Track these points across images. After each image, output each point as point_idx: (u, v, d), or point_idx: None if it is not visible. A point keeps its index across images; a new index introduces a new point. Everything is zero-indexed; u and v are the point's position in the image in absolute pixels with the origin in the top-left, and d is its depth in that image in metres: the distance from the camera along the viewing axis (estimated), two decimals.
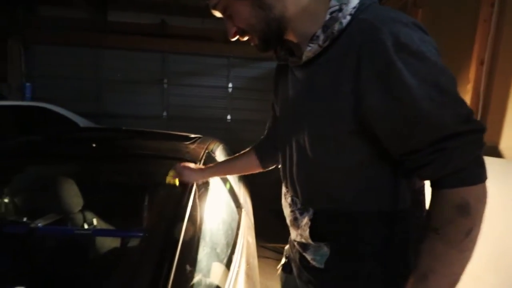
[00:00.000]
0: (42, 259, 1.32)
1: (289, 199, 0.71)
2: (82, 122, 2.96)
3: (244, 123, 4.74)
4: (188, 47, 4.52)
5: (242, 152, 0.97)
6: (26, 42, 4.39)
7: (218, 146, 1.68)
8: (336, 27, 0.51)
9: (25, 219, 1.28)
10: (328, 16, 0.52)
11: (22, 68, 4.29)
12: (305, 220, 0.64)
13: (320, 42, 0.53)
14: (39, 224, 1.24)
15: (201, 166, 1.01)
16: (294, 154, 0.66)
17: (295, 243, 0.73)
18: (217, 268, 0.87)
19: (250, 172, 0.96)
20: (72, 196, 1.37)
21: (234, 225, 1.18)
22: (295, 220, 0.68)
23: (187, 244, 0.74)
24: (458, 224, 0.46)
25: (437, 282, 0.47)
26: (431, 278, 0.47)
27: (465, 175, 0.46)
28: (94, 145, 1.21)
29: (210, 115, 4.73)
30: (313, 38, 0.54)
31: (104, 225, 1.50)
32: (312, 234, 0.64)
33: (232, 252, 0.99)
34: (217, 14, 0.63)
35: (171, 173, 0.95)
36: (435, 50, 0.47)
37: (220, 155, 1.62)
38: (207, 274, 0.81)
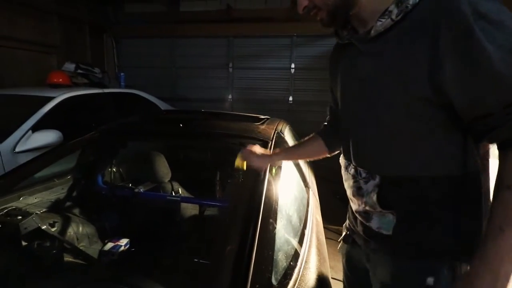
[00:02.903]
0: (141, 217, 1.61)
1: (352, 171, 0.72)
2: (163, 105, 3.37)
3: (306, 104, 4.66)
4: (251, 29, 4.58)
5: (307, 137, 0.97)
6: (117, 37, 5.12)
7: (286, 127, 1.73)
8: (411, 1, 0.54)
9: (130, 185, 1.58)
10: None
11: (115, 59, 5.05)
12: (371, 187, 0.66)
13: (393, 17, 0.56)
14: (141, 189, 1.53)
15: (267, 151, 1.02)
16: (361, 126, 0.68)
17: (357, 214, 0.74)
18: (292, 240, 0.94)
19: (317, 157, 0.96)
20: (163, 168, 1.62)
21: (304, 202, 1.23)
22: (359, 190, 0.70)
23: (267, 215, 0.81)
24: None
25: None
26: (507, 230, 0.48)
27: None
28: (181, 125, 1.39)
29: (272, 97, 4.79)
30: (384, 13, 0.57)
31: (187, 195, 1.74)
32: (379, 201, 0.65)
33: (304, 227, 1.04)
34: None
35: (239, 156, 0.97)
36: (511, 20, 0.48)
37: (288, 135, 1.67)
38: (284, 244, 0.88)
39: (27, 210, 1.29)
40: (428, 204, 0.61)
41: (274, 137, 1.30)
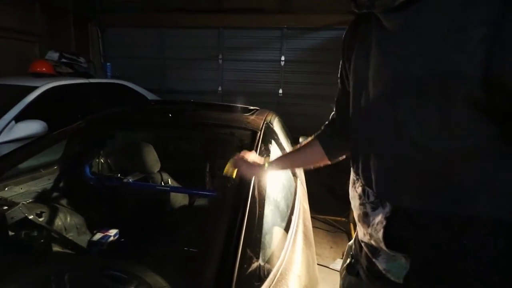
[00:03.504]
0: (130, 208, 1.61)
1: (359, 189, 0.57)
2: (150, 97, 3.32)
3: (296, 97, 4.69)
4: (242, 20, 4.54)
5: (304, 142, 0.83)
6: (102, 26, 4.97)
7: (275, 118, 1.75)
8: None
9: (119, 175, 1.58)
10: None
11: (100, 49, 4.91)
12: (379, 218, 0.51)
13: None
14: (129, 180, 1.52)
15: (261, 159, 0.88)
16: (376, 131, 0.51)
17: (363, 244, 0.59)
18: (280, 224, 0.97)
19: (315, 166, 0.82)
20: (152, 158, 1.61)
21: (292, 191, 1.27)
22: (365, 216, 0.55)
23: (254, 202, 0.84)
24: None
25: None
26: None
27: None
28: (170, 115, 1.39)
29: (262, 90, 4.79)
30: None
31: (177, 185, 1.74)
32: (386, 238, 0.50)
33: (291, 213, 1.08)
34: None
35: (229, 163, 0.87)
36: None
37: (277, 126, 1.69)
38: (272, 228, 0.91)
39: (13, 200, 1.28)
40: (458, 257, 0.44)
41: (263, 128, 1.33)
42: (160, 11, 4.70)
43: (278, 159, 0.90)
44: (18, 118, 1.99)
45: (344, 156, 0.77)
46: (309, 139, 0.81)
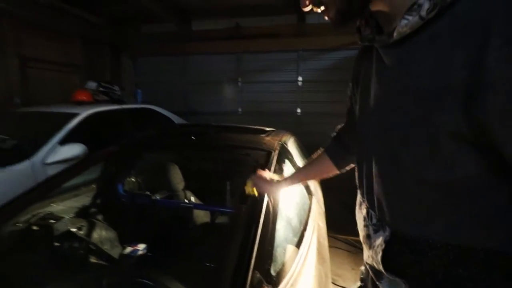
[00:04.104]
0: (157, 224, 1.74)
1: (364, 211, 0.60)
2: (176, 119, 3.56)
3: (314, 116, 4.78)
4: (259, 45, 4.82)
5: (315, 156, 0.89)
6: (133, 56, 5.47)
7: (290, 138, 1.85)
8: None
9: (148, 193, 1.73)
10: None
11: (131, 77, 5.38)
12: (379, 241, 0.53)
13: (423, 13, 0.40)
14: (157, 197, 1.67)
15: (277, 176, 0.96)
16: (375, 158, 0.54)
17: (367, 267, 0.61)
18: (292, 240, 1.04)
19: (328, 176, 0.87)
20: (177, 178, 1.76)
21: (306, 208, 1.33)
22: (368, 238, 0.57)
23: (267, 217, 0.92)
24: None
25: None
26: None
27: None
28: (193, 137, 1.54)
29: (280, 109, 4.94)
30: (412, 8, 0.42)
31: (198, 202, 1.86)
32: (384, 261, 0.52)
33: (304, 229, 1.14)
34: None
35: (249, 183, 0.95)
36: None
37: (292, 146, 1.79)
38: (283, 242, 0.99)
39: (58, 215, 1.45)
40: (461, 285, 0.44)
41: (278, 148, 1.42)
42: (184, 41, 5.11)
43: (292, 176, 0.95)
44: (62, 142, 2.25)
45: (352, 165, 0.81)
46: (319, 152, 0.88)
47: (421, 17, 0.41)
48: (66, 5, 4.07)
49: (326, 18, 0.53)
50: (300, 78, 4.85)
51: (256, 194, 0.94)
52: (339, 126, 0.83)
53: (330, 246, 2.60)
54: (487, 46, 0.35)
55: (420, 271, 0.48)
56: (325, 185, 2.37)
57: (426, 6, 0.40)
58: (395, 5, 0.46)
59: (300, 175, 0.96)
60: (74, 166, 1.57)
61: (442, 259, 0.45)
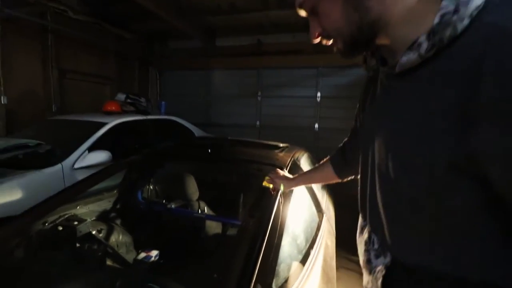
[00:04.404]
0: (170, 231, 1.80)
1: (365, 235, 0.60)
2: (196, 131, 3.71)
3: (332, 132, 4.75)
4: (279, 61, 4.92)
5: (321, 162, 1.00)
6: (160, 69, 5.79)
7: (303, 155, 1.87)
8: (448, 33, 0.40)
9: (164, 201, 1.81)
10: (437, 19, 0.41)
11: (157, 89, 5.69)
12: (380, 267, 0.54)
13: (422, 52, 0.43)
14: (172, 206, 1.75)
15: (289, 175, 1.16)
16: (376, 182, 0.55)
17: None
18: (296, 257, 1.06)
19: (330, 182, 0.97)
20: (192, 188, 1.83)
21: (314, 226, 1.34)
22: (368, 263, 0.58)
23: (273, 232, 0.95)
24: None
25: None
26: None
27: None
28: (209, 150, 1.61)
29: (298, 124, 4.96)
30: (413, 46, 0.44)
31: (211, 213, 1.92)
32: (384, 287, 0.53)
33: (311, 247, 1.15)
34: (302, 13, 0.57)
35: (266, 178, 1.15)
36: None
37: (304, 163, 1.81)
38: (287, 258, 1.00)
39: (82, 217, 1.57)
40: None
41: (289, 164, 1.46)
42: (208, 56, 5.35)
43: (300, 176, 1.11)
44: (90, 148, 2.43)
45: (352, 177, 0.89)
46: (324, 160, 0.98)
47: (420, 55, 0.43)
48: (103, 22, 4.46)
49: (335, 49, 0.56)
50: (319, 94, 4.87)
51: (271, 187, 1.12)
52: (345, 139, 0.90)
53: (342, 267, 2.53)
54: (479, 89, 0.37)
55: None
56: (339, 203, 2.34)
57: (425, 46, 0.42)
58: (398, 41, 0.49)
59: (306, 178, 1.11)
60: (100, 173, 1.69)
61: None
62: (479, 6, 0.38)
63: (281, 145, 1.90)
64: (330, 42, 0.56)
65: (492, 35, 0.36)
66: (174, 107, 4.88)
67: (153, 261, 1.55)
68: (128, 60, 5.32)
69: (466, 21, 0.39)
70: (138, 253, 1.56)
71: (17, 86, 3.45)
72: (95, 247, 1.43)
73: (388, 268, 0.52)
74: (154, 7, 3.64)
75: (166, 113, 3.82)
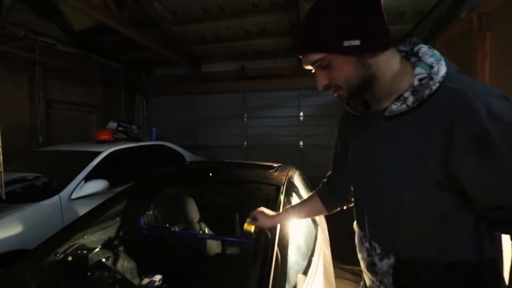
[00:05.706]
0: (172, 255, 1.86)
1: (366, 244, 0.72)
2: (186, 154, 3.81)
3: (316, 148, 5.01)
4: (263, 85, 5.22)
5: (308, 196, 1.03)
6: (146, 95, 5.90)
7: (295, 172, 2.04)
8: (427, 92, 0.58)
9: (167, 225, 1.88)
10: (417, 82, 0.59)
11: (144, 115, 5.76)
12: (386, 268, 0.66)
13: (409, 103, 0.59)
14: (176, 229, 1.82)
15: (271, 212, 1.08)
16: (376, 201, 0.68)
17: None
18: (301, 262, 1.19)
19: (317, 215, 1.07)
20: (193, 210, 1.92)
21: (312, 236, 1.48)
22: (373, 266, 0.69)
23: (282, 248, 1.06)
24: None
25: None
26: None
27: None
28: (210, 174, 1.74)
29: (284, 143, 5.20)
30: (399, 98, 0.61)
31: (212, 234, 2.00)
32: (395, 283, 0.65)
33: (312, 255, 1.29)
34: (308, 67, 0.67)
35: (247, 221, 1.05)
36: None
37: (297, 180, 1.97)
38: (294, 265, 1.13)
39: (89, 246, 1.61)
40: None
41: (285, 182, 1.61)
42: (193, 81, 5.56)
43: (287, 211, 1.04)
44: (86, 178, 2.46)
45: (338, 208, 0.97)
46: (311, 194, 1.01)
47: (407, 106, 0.60)
48: (90, 53, 4.55)
49: (335, 94, 0.68)
50: (301, 113, 5.16)
51: (253, 230, 1.03)
52: (329, 173, 0.97)
53: (337, 277, 2.64)
54: (452, 131, 0.54)
55: (421, 284, 0.62)
56: (330, 216, 2.50)
57: (410, 99, 0.59)
58: (383, 91, 0.65)
59: (293, 213, 1.04)
60: (106, 202, 1.75)
61: (434, 274, 0.61)
62: (443, 76, 0.58)
63: (275, 165, 2.06)
64: (332, 90, 0.67)
65: (457, 96, 0.55)
66: (163, 132, 4.96)
67: (157, 286, 1.60)
68: (114, 88, 5.39)
69: (437, 85, 0.58)
70: (141, 279, 1.61)
71: (3, 119, 3.43)
72: (105, 274, 1.48)
73: (394, 267, 0.65)
74: (143, 40, 3.82)
75: (156, 139, 3.91)
